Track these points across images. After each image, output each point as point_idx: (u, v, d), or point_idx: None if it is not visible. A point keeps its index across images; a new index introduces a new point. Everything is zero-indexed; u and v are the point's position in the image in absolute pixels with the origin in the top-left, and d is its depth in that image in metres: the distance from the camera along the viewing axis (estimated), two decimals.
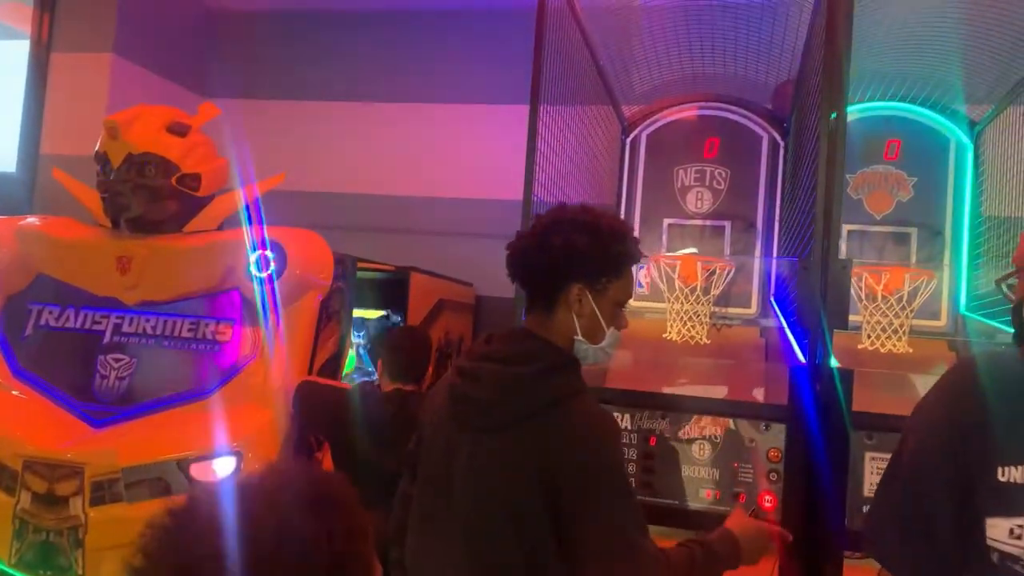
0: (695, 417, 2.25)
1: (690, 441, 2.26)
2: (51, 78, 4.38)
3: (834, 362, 2.19)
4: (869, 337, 3.58)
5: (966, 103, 3.87)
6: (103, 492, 2.55)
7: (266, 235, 2.76)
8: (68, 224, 3.04)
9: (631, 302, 4.57)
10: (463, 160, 4.74)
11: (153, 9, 4.75)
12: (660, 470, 2.25)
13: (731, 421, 2.24)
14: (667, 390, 2.62)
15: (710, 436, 2.25)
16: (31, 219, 3.05)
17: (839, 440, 2.10)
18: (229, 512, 0.79)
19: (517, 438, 1.43)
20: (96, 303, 2.94)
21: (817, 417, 2.12)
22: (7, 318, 2.98)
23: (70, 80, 4.37)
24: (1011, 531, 1.18)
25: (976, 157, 3.86)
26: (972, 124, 3.89)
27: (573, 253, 1.50)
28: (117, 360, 2.87)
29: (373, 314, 3.82)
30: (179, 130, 2.93)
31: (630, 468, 2.26)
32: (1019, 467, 1.21)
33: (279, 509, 0.80)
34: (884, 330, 3.55)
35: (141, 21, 4.62)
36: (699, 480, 2.22)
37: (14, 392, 2.83)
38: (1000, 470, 1.22)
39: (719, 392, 3.05)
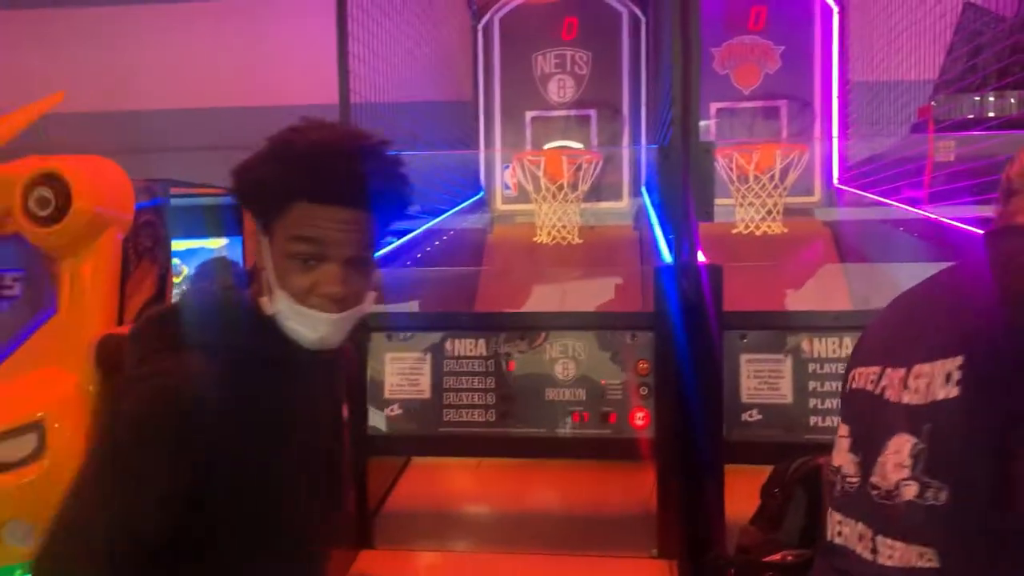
0: (555, 334, 2.00)
1: (553, 361, 2.02)
2: None
3: (701, 258, 1.97)
4: (743, 221, 3.42)
5: None
6: None
7: (45, 166, 2.30)
8: None
9: (498, 206, 4.27)
10: (298, 61, 4.22)
11: None
12: (521, 397, 2.01)
13: (594, 334, 2.01)
14: (532, 306, 2.35)
15: (573, 353, 2.01)
16: None
17: (711, 344, 1.90)
18: None
19: None
20: None
21: (685, 321, 1.91)
22: None
23: None
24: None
25: (842, 21, 3.66)
26: None
27: (235, 174, 1.10)
28: None
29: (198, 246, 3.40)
30: None
31: (487, 398, 2.01)
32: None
33: None
34: (758, 211, 3.39)
35: None
36: (564, 403, 2.00)
37: None
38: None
39: (591, 301, 2.82)
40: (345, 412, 1.29)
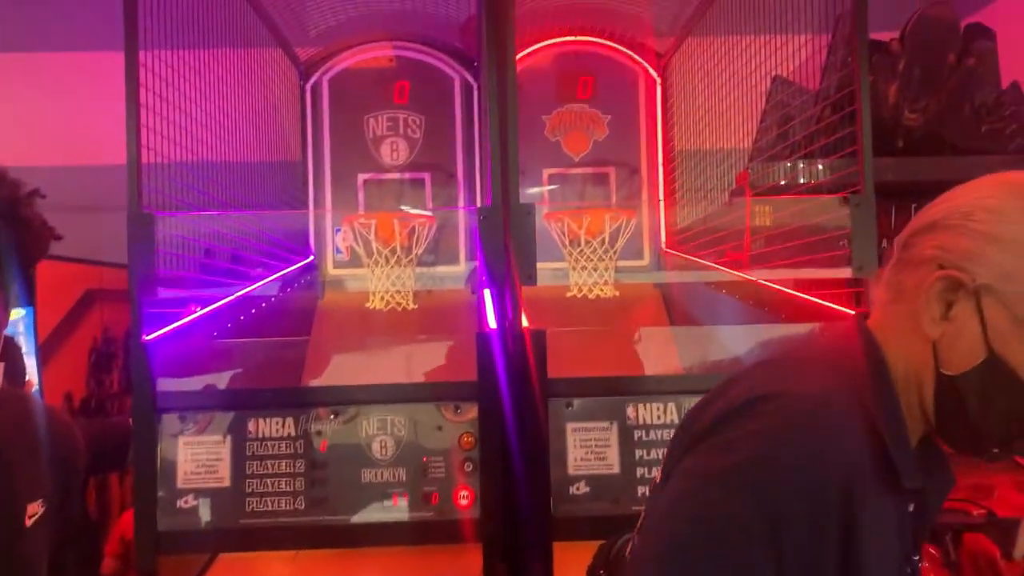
0: (370, 408, 1.85)
1: (369, 438, 1.86)
2: None
3: (524, 322, 1.89)
4: (576, 284, 3.41)
5: (654, 35, 3.79)
6: None
7: None
8: None
9: (329, 270, 4.09)
10: (97, 119, 3.94)
11: None
12: (335, 480, 1.83)
13: (414, 407, 1.87)
14: (364, 376, 2.19)
15: (392, 429, 1.86)
16: None
17: (535, 414, 1.80)
18: None
19: None
20: None
21: (510, 390, 1.81)
22: None
23: None
24: None
25: (664, 91, 3.79)
26: (658, 56, 3.82)
27: None
28: None
29: None
30: None
31: (296, 484, 1.82)
32: None
33: None
34: (591, 275, 3.39)
35: None
36: (382, 485, 1.83)
37: None
38: None
39: (426, 368, 2.67)
40: (36, 506, 1.07)
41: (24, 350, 2.89)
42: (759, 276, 2.76)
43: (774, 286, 2.58)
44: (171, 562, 1.88)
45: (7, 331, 2.98)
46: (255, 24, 3.30)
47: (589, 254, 3.34)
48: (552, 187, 3.80)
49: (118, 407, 3.65)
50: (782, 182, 2.86)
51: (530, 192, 3.76)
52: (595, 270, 3.34)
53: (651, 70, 3.81)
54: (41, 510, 1.06)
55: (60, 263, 3.21)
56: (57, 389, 3.11)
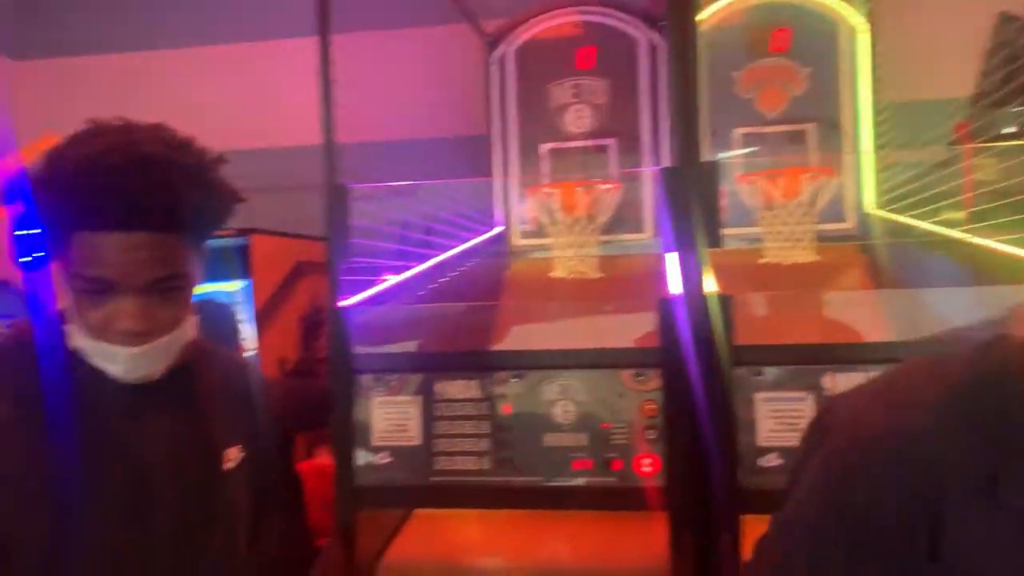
0: (552, 373, 1.85)
1: (551, 403, 1.86)
2: None
3: (709, 288, 1.81)
4: (771, 250, 3.23)
5: None
6: None
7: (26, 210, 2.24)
8: None
9: (516, 241, 4.16)
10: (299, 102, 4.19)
11: None
12: (519, 443, 1.85)
13: (595, 373, 1.85)
14: (550, 344, 2.19)
15: (573, 394, 1.85)
16: None
17: (721, 382, 1.72)
18: None
19: None
20: None
21: (694, 357, 1.74)
22: None
23: None
24: None
25: (872, 37, 3.48)
26: (864, 2, 3.51)
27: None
28: None
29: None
30: None
31: (482, 445, 1.86)
32: None
33: None
34: (787, 239, 3.20)
35: None
36: (564, 449, 1.83)
37: None
38: None
39: (604, 337, 2.65)
40: (235, 451, 1.14)
41: (241, 319, 3.16)
42: (982, 236, 2.48)
43: (1001, 247, 2.31)
44: (367, 516, 1.98)
45: (225, 299, 3.26)
46: (442, 1, 3.38)
47: (785, 217, 3.16)
48: (748, 151, 3.63)
49: (327, 371, 3.91)
50: (1011, 130, 2.55)
51: (721, 154, 3.60)
52: (791, 234, 3.16)
53: (855, 15, 3.51)
54: (240, 455, 1.15)
55: (272, 237, 3.48)
56: (272, 354, 3.38)
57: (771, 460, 1.75)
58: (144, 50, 4.62)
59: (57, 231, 0.97)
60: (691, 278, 1.78)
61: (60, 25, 4.71)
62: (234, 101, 4.38)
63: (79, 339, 1.01)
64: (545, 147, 3.81)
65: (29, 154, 2.51)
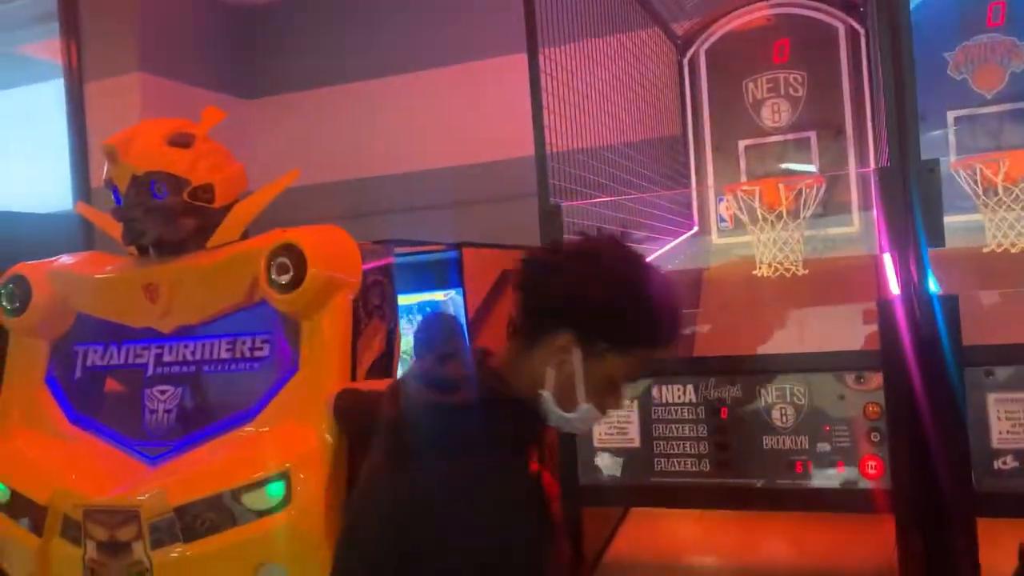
0: (769, 377, 1.88)
1: (769, 407, 1.89)
2: (88, 109, 4.35)
3: (933, 288, 1.77)
4: (996, 238, 3.03)
5: None
6: (161, 534, 2.45)
7: (283, 238, 2.55)
8: (96, 259, 2.95)
9: (713, 240, 4.12)
10: (500, 119, 4.39)
11: (174, 19, 4.61)
12: (736, 446, 1.90)
13: (815, 376, 1.86)
14: (760, 347, 2.23)
15: (792, 398, 1.88)
16: (63, 258, 2.97)
17: (950, 384, 1.69)
18: None
19: None
20: (135, 335, 2.84)
21: (917, 358, 1.72)
22: (56, 364, 2.92)
23: (106, 107, 4.31)
24: None
25: None
26: None
27: (579, 299, 1.22)
28: (163, 392, 2.76)
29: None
30: (183, 141, 2.75)
31: (700, 447, 1.92)
32: None
33: None
34: (1012, 227, 3.00)
35: (163, 33, 4.49)
36: (784, 452, 1.86)
37: (73, 440, 2.77)
38: None
39: (818, 338, 2.61)
40: None
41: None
42: None
43: None
44: (590, 514, 2.10)
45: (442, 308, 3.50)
46: (634, 8, 3.45)
47: (1010, 203, 2.95)
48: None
49: None
50: None
51: (932, 135, 3.41)
52: (1017, 221, 2.95)
53: None
54: None
55: (480, 249, 3.70)
56: None
57: (1007, 462, 1.69)
58: (356, 80, 5.01)
59: (629, 343, 1.25)
60: (913, 280, 1.76)
61: (277, 63, 5.17)
62: (443, 121, 4.65)
63: (584, 412, 1.27)
64: (742, 144, 3.78)
65: (275, 188, 2.83)
